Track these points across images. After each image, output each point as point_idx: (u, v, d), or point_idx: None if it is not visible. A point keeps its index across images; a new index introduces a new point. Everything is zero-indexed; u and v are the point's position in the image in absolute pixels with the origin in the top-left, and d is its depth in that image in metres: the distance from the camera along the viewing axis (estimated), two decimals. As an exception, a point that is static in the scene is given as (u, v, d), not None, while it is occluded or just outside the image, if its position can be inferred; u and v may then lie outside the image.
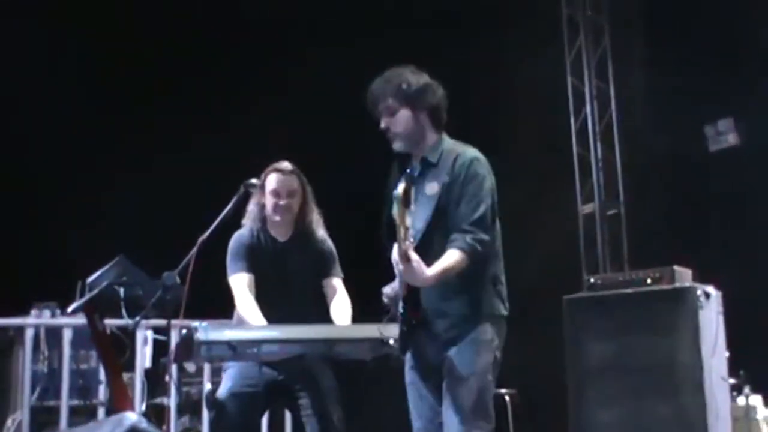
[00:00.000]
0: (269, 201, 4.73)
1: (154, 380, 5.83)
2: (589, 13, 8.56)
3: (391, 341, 3.96)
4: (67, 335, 6.15)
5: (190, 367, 5.50)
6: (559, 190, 8.59)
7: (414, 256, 3.59)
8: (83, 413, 6.19)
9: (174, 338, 4.61)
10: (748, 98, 7.68)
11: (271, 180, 4.75)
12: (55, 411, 6.09)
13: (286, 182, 4.74)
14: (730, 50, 7.66)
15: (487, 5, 8.22)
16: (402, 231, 3.53)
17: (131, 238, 6.57)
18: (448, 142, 4.01)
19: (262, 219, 4.77)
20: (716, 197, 7.79)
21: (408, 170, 3.99)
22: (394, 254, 3.64)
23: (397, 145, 3.96)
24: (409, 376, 4.03)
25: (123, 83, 8.28)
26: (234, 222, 4.68)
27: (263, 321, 4.51)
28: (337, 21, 8.58)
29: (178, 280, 4.36)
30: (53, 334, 6.25)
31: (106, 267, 5.25)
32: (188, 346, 4.07)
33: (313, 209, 4.84)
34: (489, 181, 3.88)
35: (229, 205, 4.62)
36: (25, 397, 6.05)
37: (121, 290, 4.97)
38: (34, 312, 6.37)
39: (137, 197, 7.98)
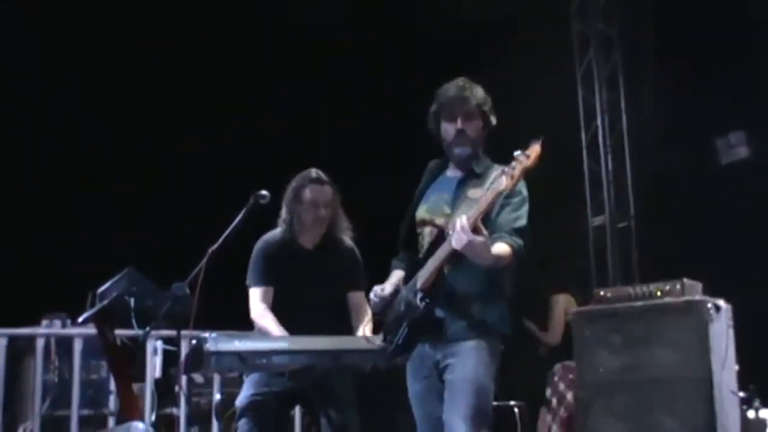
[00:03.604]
0: (308, 212, 4.81)
1: (164, 390, 5.84)
2: (600, 27, 8.57)
3: (377, 341, 3.99)
4: (77, 345, 6.17)
5: (198, 377, 5.51)
6: (570, 203, 8.59)
7: (484, 230, 3.70)
8: (93, 423, 6.21)
9: (184, 349, 4.62)
10: (760, 111, 7.67)
11: (309, 191, 4.82)
12: (66, 420, 6.11)
13: (324, 193, 4.83)
14: (741, 62, 7.66)
15: (497, 20, 8.25)
16: (482, 207, 3.69)
17: (141, 249, 6.60)
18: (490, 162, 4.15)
19: (296, 226, 4.83)
20: (727, 210, 7.78)
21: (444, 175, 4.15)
22: (462, 222, 3.68)
23: (464, 149, 4.08)
24: (416, 385, 4.05)
25: (134, 93, 8.32)
26: (243, 233, 4.68)
27: (279, 331, 4.56)
28: (348, 36, 8.62)
29: (187, 290, 4.36)
30: (64, 344, 6.27)
31: (116, 278, 5.27)
32: (198, 356, 4.08)
33: (343, 218, 4.91)
34: (528, 204, 4.03)
35: (239, 216, 4.63)
36: (36, 407, 6.07)
37: (132, 301, 4.99)
38: (44, 322, 6.41)
39: (147, 208, 8.01)
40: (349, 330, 4.76)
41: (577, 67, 8.63)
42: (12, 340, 6.14)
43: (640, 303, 6.17)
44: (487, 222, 3.87)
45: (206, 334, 4.10)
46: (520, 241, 3.92)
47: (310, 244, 4.86)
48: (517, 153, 3.65)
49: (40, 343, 6.15)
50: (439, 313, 3.91)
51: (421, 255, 3.99)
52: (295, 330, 4.49)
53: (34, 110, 8.08)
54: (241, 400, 4.63)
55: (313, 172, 4.87)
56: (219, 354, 4.03)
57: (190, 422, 5.61)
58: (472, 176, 4.04)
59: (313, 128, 8.52)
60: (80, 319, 5.12)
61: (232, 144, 8.42)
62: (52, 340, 6.30)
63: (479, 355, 3.88)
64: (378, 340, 4.01)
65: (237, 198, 4.75)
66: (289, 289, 4.77)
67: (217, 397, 6.07)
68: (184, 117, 8.33)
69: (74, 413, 6.11)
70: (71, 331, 6.26)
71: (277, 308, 4.76)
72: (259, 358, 4.10)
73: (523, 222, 3.96)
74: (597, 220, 8.53)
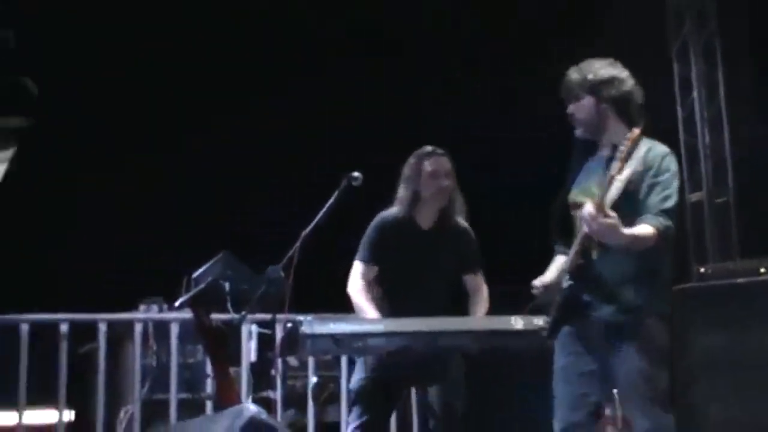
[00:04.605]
0: (430, 185, 4.74)
1: (260, 374, 5.86)
2: (695, -3, 8.35)
3: (538, 321, 3.97)
4: (174, 330, 6.23)
5: (293, 361, 5.53)
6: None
7: (612, 213, 3.67)
8: (191, 406, 6.26)
9: (279, 332, 4.62)
10: None
11: (429, 163, 4.76)
12: (165, 404, 6.17)
13: (443, 163, 4.78)
14: None
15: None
16: (603, 191, 3.68)
17: (235, 233, 6.66)
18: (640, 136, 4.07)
19: (413, 205, 4.77)
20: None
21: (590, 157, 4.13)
22: (588, 208, 3.68)
23: (578, 131, 4.12)
24: (561, 360, 4.02)
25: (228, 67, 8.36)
26: (336, 216, 4.65)
27: (372, 310, 4.55)
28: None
29: (282, 273, 4.36)
30: (161, 328, 6.34)
31: (211, 262, 5.32)
32: (293, 340, 4.10)
33: (460, 198, 4.85)
34: (678, 179, 3.98)
35: (332, 199, 4.61)
36: (136, 391, 6.15)
37: (226, 285, 5.02)
38: (142, 307, 6.48)
39: (241, 192, 8.06)
40: (461, 312, 4.72)
41: (672, 39, 8.42)
42: (111, 325, 6.22)
43: (742, 280, 6.00)
44: (635, 203, 3.86)
45: (301, 318, 4.10)
46: (667, 222, 3.84)
47: (426, 225, 4.80)
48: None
49: (138, 328, 6.21)
50: (586, 297, 3.88)
51: (575, 237, 3.96)
52: (405, 312, 4.44)
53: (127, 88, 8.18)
54: (353, 384, 4.63)
55: (429, 147, 4.83)
56: (314, 337, 4.03)
57: (286, 405, 5.63)
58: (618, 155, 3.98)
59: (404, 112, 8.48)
60: (176, 304, 5.15)
61: (325, 124, 8.43)
62: (150, 325, 6.36)
63: (635, 341, 3.83)
64: (539, 321, 3.97)
65: (330, 180, 4.72)
66: (401, 269, 4.72)
67: (314, 380, 6.08)
68: (278, 92, 8.35)
69: (173, 397, 6.17)
70: (168, 315, 6.32)
71: (387, 289, 4.74)
72: (354, 340, 4.09)
73: (671, 203, 3.88)
74: (694, 196, 8.33)
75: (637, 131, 3.71)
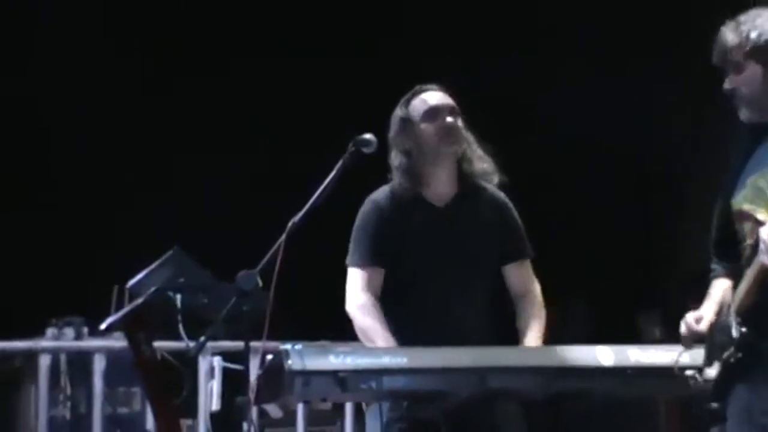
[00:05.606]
0: (429, 130, 4.71)
1: (225, 429, 5.88)
2: None
3: (689, 372, 3.98)
4: (98, 365, 6.23)
5: (275, 411, 5.53)
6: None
7: None
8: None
9: (254, 368, 4.63)
10: None
11: (422, 100, 4.75)
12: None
13: (443, 97, 4.77)
14: None
15: None
16: None
17: (190, 225, 6.65)
18: None
19: (415, 173, 4.73)
20: None
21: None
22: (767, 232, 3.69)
23: (743, 114, 4.07)
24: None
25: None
26: (339, 198, 4.64)
27: (386, 335, 4.54)
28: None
29: (259, 282, 4.35)
30: (79, 363, 6.35)
31: (155, 265, 5.30)
32: (275, 379, 4.12)
33: (480, 154, 4.78)
34: None
35: (333, 173, 4.56)
36: (41, 455, 6.18)
37: (178, 298, 5.02)
38: (51, 331, 6.46)
39: (199, 168, 8.09)
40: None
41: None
42: (4, 358, 6.24)
43: None
44: None
45: (287, 346, 4.10)
46: None
47: (440, 199, 4.77)
48: None
49: (44, 362, 6.22)
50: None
51: (743, 260, 3.93)
52: (425, 332, 4.46)
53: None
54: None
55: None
56: (306, 375, 4.04)
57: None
58: None
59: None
60: (103, 326, 5.17)
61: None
62: (62, 358, 6.37)
63: None
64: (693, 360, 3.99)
65: (329, 152, 4.72)
66: (413, 269, 4.69)
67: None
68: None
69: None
70: (89, 343, 6.33)
71: (396, 299, 4.70)
72: (364, 379, 4.09)
73: None
74: None
75: None
